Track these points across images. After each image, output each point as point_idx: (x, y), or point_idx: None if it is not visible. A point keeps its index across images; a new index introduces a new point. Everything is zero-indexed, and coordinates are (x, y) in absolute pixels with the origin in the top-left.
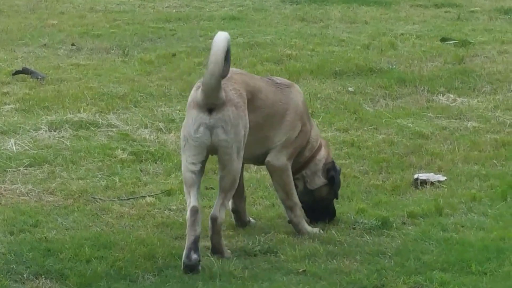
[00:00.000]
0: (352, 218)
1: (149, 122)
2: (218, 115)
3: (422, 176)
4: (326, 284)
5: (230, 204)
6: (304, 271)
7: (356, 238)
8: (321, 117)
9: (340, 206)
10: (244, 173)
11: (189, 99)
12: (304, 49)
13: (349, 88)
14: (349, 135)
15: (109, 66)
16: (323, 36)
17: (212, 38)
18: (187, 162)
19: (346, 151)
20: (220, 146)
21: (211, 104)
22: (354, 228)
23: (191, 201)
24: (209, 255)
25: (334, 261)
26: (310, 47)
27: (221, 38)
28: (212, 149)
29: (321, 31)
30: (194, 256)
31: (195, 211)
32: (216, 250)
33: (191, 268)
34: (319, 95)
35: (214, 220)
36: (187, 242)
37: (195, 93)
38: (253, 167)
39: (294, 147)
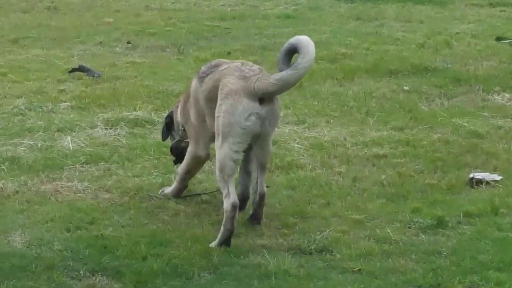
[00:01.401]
0: (408, 217)
1: None
2: (268, 106)
3: (478, 175)
4: (381, 283)
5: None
6: (359, 270)
7: (411, 237)
8: (376, 116)
9: (395, 205)
10: (300, 172)
11: (231, 86)
12: (359, 48)
13: (404, 87)
14: (404, 134)
15: (165, 64)
16: (378, 35)
17: (267, 36)
18: (230, 150)
19: (401, 150)
20: (264, 135)
21: (269, 96)
22: (409, 227)
23: (232, 196)
24: (264, 253)
25: (390, 260)
26: (365, 46)
27: (311, 43)
28: (255, 138)
29: (376, 30)
30: (226, 246)
31: (236, 207)
32: (259, 218)
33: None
34: (374, 94)
35: (262, 196)
36: (221, 235)
37: (240, 82)
38: (309, 166)
39: None
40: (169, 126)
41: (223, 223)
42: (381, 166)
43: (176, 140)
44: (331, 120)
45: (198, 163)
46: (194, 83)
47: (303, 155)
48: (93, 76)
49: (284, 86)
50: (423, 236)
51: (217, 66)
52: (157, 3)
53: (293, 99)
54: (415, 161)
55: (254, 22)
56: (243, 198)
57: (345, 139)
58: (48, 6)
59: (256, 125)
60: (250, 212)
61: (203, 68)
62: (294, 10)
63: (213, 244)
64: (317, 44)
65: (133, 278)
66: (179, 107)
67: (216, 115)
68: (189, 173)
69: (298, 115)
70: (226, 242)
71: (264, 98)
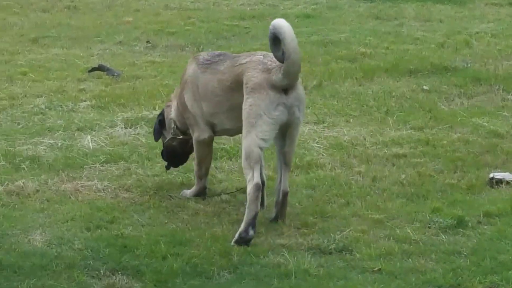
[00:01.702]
0: (428, 217)
1: None
2: (294, 94)
3: (498, 175)
4: (401, 283)
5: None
6: (379, 269)
7: (431, 237)
8: (395, 116)
9: (415, 205)
10: (320, 171)
11: (256, 80)
12: (379, 47)
13: (424, 87)
14: (424, 134)
15: (184, 64)
16: (398, 34)
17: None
18: (258, 137)
19: (421, 150)
20: (293, 123)
21: (289, 85)
22: (429, 227)
23: (255, 177)
24: (284, 252)
25: (410, 260)
26: (384, 45)
27: (287, 26)
28: (284, 127)
29: (395, 29)
30: (251, 232)
31: (259, 187)
32: (282, 218)
33: (245, 242)
34: (393, 94)
35: (286, 194)
36: (246, 217)
37: (264, 75)
38: (329, 166)
39: None
40: (162, 123)
41: (247, 205)
42: (401, 165)
43: (167, 139)
44: (351, 120)
45: (205, 146)
46: (192, 69)
47: (322, 155)
48: (113, 75)
49: (292, 77)
50: (443, 236)
51: (223, 56)
52: (176, 2)
53: (313, 99)
54: (435, 161)
55: None
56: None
57: (365, 139)
58: (68, 5)
59: (284, 114)
60: (273, 214)
61: (205, 55)
62: (313, 9)
63: (240, 229)
64: (336, 43)
65: (153, 277)
66: (173, 105)
67: (243, 106)
68: (203, 163)
69: (318, 115)
70: (252, 224)
71: (288, 88)
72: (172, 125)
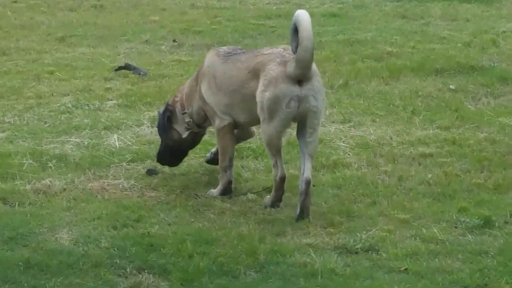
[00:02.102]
0: (454, 217)
1: None
2: (308, 85)
3: None
4: (428, 283)
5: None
6: (406, 269)
7: (458, 237)
8: (422, 115)
9: (441, 205)
10: (346, 171)
11: (272, 73)
12: (405, 47)
13: (450, 86)
14: (451, 133)
15: None
16: (424, 33)
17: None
18: (276, 131)
19: (448, 149)
20: (310, 112)
21: (303, 76)
22: (456, 227)
23: (280, 169)
24: (310, 252)
25: (436, 260)
26: (411, 44)
27: (305, 14)
28: (299, 117)
29: (421, 28)
30: (277, 203)
31: (283, 180)
32: (306, 212)
33: (272, 206)
34: (420, 93)
35: (308, 183)
36: (274, 196)
37: (280, 68)
38: (355, 165)
39: None
40: (170, 119)
41: (274, 188)
42: (427, 165)
43: (186, 133)
44: (377, 119)
45: (227, 134)
46: (212, 59)
47: (348, 154)
48: (139, 74)
49: (304, 65)
50: (469, 236)
51: (245, 50)
52: (202, 1)
53: (339, 98)
54: (461, 161)
55: None
56: None
57: (391, 138)
58: (95, 4)
59: (295, 107)
60: (297, 209)
61: (225, 49)
62: (339, 8)
63: (267, 203)
64: (362, 42)
65: (179, 276)
66: (185, 98)
67: (258, 98)
68: (226, 152)
69: (344, 114)
70: (277, 203)
71: (302, 79)
72: (188, 119)
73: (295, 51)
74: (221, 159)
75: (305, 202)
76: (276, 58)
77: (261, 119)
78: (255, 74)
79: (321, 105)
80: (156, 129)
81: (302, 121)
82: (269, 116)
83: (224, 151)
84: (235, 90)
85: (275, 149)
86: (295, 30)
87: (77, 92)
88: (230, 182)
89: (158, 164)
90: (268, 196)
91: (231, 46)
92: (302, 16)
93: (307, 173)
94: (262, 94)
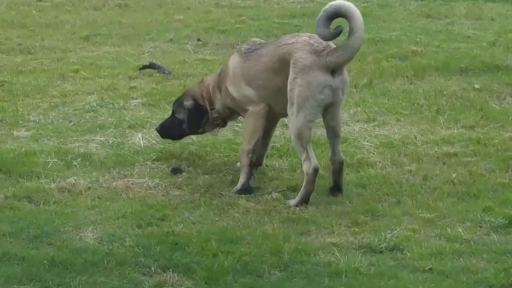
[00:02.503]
0: (479, 217)
1: None
2: (340, 77)
3: None
4: (452, 282)
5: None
6: (430, 269)
7: (482, 236)
8: (446, 114)
9: (466, 204)
10: (370, 170)
11: (305, 62)
12: (430, 46)
13: (475, 85)
14: (475, 133)
15: None
16: (449, 32)
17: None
18: (306, 120)
19: (472, 149)
20: (337, 103)
21: (341, 66)
22: (480, 227)
23: (311, 158)
24: (335, 251)
25: (461, 259)
26: (435, 43)
27: (354, 6)
28: (327, 106)
29: (446, 27)
30: (306, 201)
31: (317, 170)
32: (340, 188)
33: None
34: (444, 92)
35: (341, 163)
36: (301, 196)
37: (313, 57)
38: (379, 164)
39: None
40: (202, 111)
41: (304, 184)
42: (452, 164)
43: (218, 128)
44: (401, 118)
45: (260, 117)
46: (236, 60)
47: (373, 153)
48: (164, 73)
49: (352, 54)
50: (494, 236)
51: (264, 43)
52: (227, 0)
53: (363, 97)
54: (486, 160)
55: None
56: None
57: (416, 137)
58: (119, 3)
59: (329, 97)
60: (330, 184)
61: (245, 45)
62: (364, 7)
63: (292, 203)
64: (387, 41)
65: (203, 275)
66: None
67: (289, 87)
68: (254, 136)
69: (368, 113)
70: (305, 201)
71: (336, 70)
72: (215, 115)
73: (327, 37)
74: (247, 142)
75: (340, 179)
76: (305, 46)
77: (289, 113)
78: (281, 64)
79: (344, 97)
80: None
81: (328, 110)
82: (299, 106)
83: (253, 134)
84: (263, 84)
85: (305, 141)
86: (330, 17)
87: (101, 91)
88: (252, 165)
89: (183, 162)
90: (292, 199)
91: (250, 40)
92: (353, 7)
93: (339, 154)
94: (293, 81)
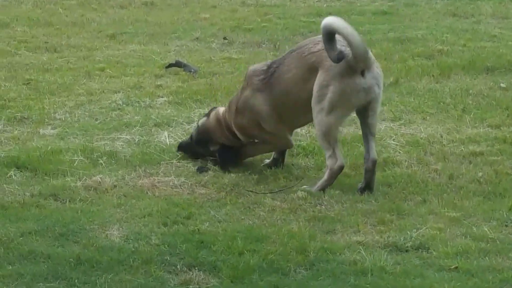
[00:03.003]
0: (505, 215)
1: None
2: (371, 74)
3: None
4: (478, 281)
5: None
6: (456, 268)
7: (508, 235)
8: (472, 113)
9: (492, 203)
10: (396, 168)
11: (335, 69)
12: (456, 45)
13: (501, 84)
14: (501, 132)
15: (261, 60)
16: (475, 31)
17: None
18: (337, 121)
19: (498, 148)
20: (374, 99)
21: (364, 66)
22: (506, 225)
23: (338, 156)
24: (361, 250)
25: (487, 258)
26: (461, 42)
27: (338, 21)
28: (364, 105)
29: (472, 26)
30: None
31: (342, 168)
32: (370, 187)
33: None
34: (470, 91)
35: (375, 162)
36: (321, 185)
37: (343, 63)
38: (405, 163)
39: None
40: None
41: (325, 178)
42: (478, 163)
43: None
44: (427, 117)
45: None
46: (260, 98)
47: (399, 152)
48: (190, 71)
49: (363, 54)
50: None
51: (276, 62)
52: None
53: (389, 96)
54: None
55: (350, 18)
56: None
57: (442, 136)
58: (145, 1)
59: (363, 98)
60: (361, 184)
61: (256, 76)
62: (390, 6)
63: (314, 189)
64: (413, 40)
65: (229, 273)
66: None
67: (320, 91)
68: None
69: (394, 112)
70: (323, 189)
71: (364, 69)
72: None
73: (337, 59)
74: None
75: (371, 178)
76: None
77: (316, 110)
78: (312, 72)
79: (381, 90)
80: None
81: (365, 107)
82: (330, 108)
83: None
84: (295, 98)
85: (332, 139)
86: (330, 39)
87: (127, 89)
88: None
89: (208, 161)
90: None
91: (250, 71)
92: (337, 23)
93: (373, 153)
94: (326, 88)
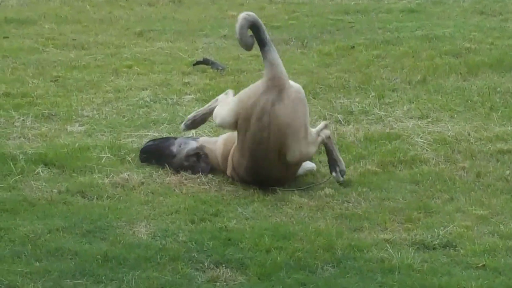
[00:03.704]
0: None
1: (327, 113)
2: None
3: None
4: (505, 279)
5: None
6: (483, 266)
7: None
8: (500, 111)
9: None
10: (424, 166)
11: None
12: (483, 43)
13: None
14: None
15: (288, 58)
16: (503, 29)
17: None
18: None
19: None
20: None
21: None
22: None
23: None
24: (388, 247)
25: None
26: (489, 40)
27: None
28: None
29: (500, 24)
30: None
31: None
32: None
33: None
34: (498, 89)
35: None
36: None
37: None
38: (433, 161)
39: None
40: None
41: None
42: (506, 161)
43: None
44: (455, 115)
45: None
46: None
47: (426, 150)
48: (218, 69)
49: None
50: None
51: None
52: None
53: (417, 94)
54: None
55: (378, 16)
56: None
57: (469, 134)
58: None
59: None
60: None
61: None
62: (417, 4)
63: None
64: (440, 38)
65: (256, 271)
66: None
67: None
68: None
69: (422, 110)
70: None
71: None
72: None
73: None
74: None
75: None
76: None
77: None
78: None
79: None
80: None
81: None
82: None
83: None
84: None
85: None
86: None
87: (155, 87)
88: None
89: None
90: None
91: None
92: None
93: None
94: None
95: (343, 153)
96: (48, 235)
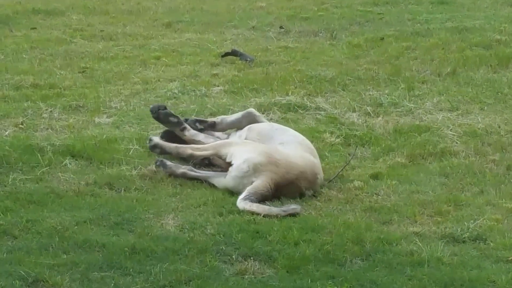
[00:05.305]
0: None
1: (357, 106)
2: None
3: None
4: None
5: None
6: None
7: None
8: None
9: None
10: (453, 159)
11: None
12: None
13: None
14: None
15: (317, 49)
16: None
17: (420, 22)
18: None
19: None
20: None
21: None
22: None
23: None
24: (417, 240)
25: None
26: None
27: None
28: None
29: None
30: None
31: None
32: None
33: None
34: None
35: None
36: None
37: None
38: (463, 154)
39: None
40: None
41: None
42: None
43: None
44: (485, 107)
45: None
46: None
47: (456, 142)
48: (246, 60)
49: None
50: None
51: None
52: None
53: (447, 86)
54: None
55: (407, 7)
56: None
57: (499, 127)
58: None
59: None
60: None
61: None
62: None
63: None
64: (471, 30)
65: (285, 263)
66: None
67: None
68: None
69: (452, 102)
70: None
71: None
72: None
73: None
74: None
75: None
76: None
77: None
78: None
79: None
80: None
81: None
82: None
83: None
84: None
85: None
86: None
87: (183, 78)
88: None
89: None
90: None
91: None
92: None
93: None
94: None
95: (372, 145)
96: (76, 227)
